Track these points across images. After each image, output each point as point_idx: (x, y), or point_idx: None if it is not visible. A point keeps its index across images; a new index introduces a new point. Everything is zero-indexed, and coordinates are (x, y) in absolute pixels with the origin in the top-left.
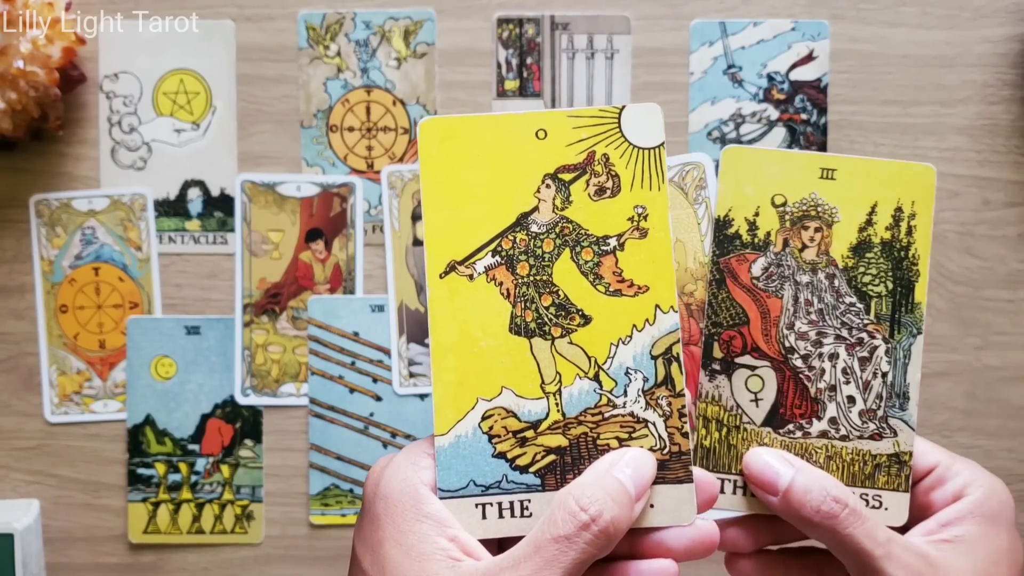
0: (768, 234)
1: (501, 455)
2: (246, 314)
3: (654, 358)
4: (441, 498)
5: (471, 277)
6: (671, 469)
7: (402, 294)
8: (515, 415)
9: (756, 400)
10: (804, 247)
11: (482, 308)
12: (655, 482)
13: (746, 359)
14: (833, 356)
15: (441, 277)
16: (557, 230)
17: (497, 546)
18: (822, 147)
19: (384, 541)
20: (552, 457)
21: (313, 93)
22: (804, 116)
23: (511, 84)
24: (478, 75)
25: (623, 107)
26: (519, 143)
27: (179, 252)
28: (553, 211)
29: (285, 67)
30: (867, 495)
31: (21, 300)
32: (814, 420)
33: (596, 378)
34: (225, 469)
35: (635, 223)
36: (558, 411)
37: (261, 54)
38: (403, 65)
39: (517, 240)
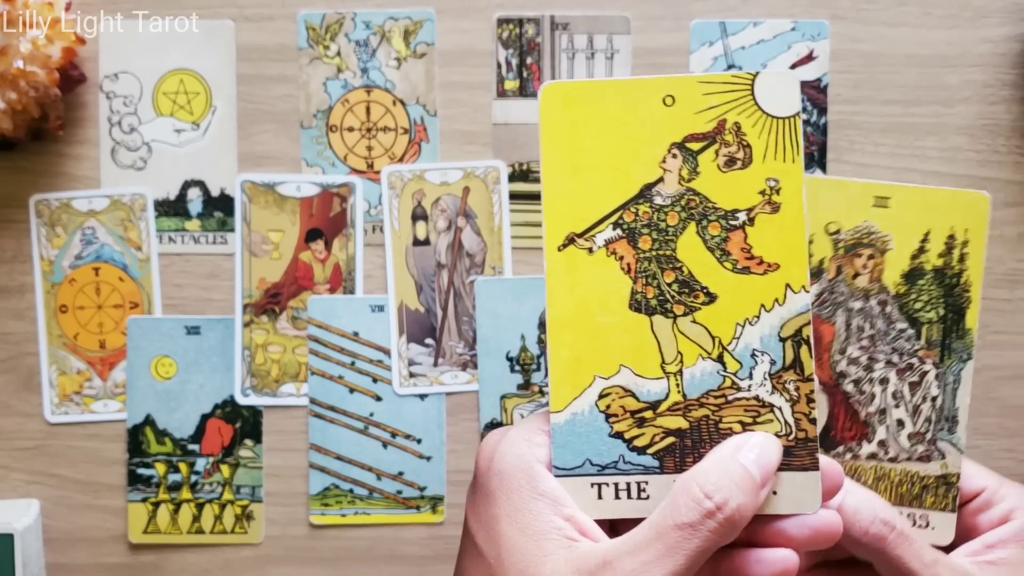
0: (822, 261)
1: (618, 435)
2: (246, 314)
3: (782, 340)
4: (556, 476)
5: (591, 250)
6: (796, 456)
7: (402, 294)
8: (633, 394)
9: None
10: (857, 274)
11: (601, 283)
12: (779, 468)
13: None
14: (884, 381)
15: (560, 250)
16: (683, 203)
17: (610, 528)
18: (822, 147)
19: (499, 518)
20: (671, 439)
21: (313, 93)
22: (804, 116)
23: (511, 84)
24: (478, 75)
25: (757, 73)
26: (645, 109)
27: (179, 252)
28: (679, 182)
29: (285, 67)
30: (914, 515)
31: (21, 300)
32: (864, 443)
33: (720, 359)
34: (225, 469)
35: (767, 197)
36: (679, 392)
37: (261, 54)
38: (403, 65)
39: (640, 212)
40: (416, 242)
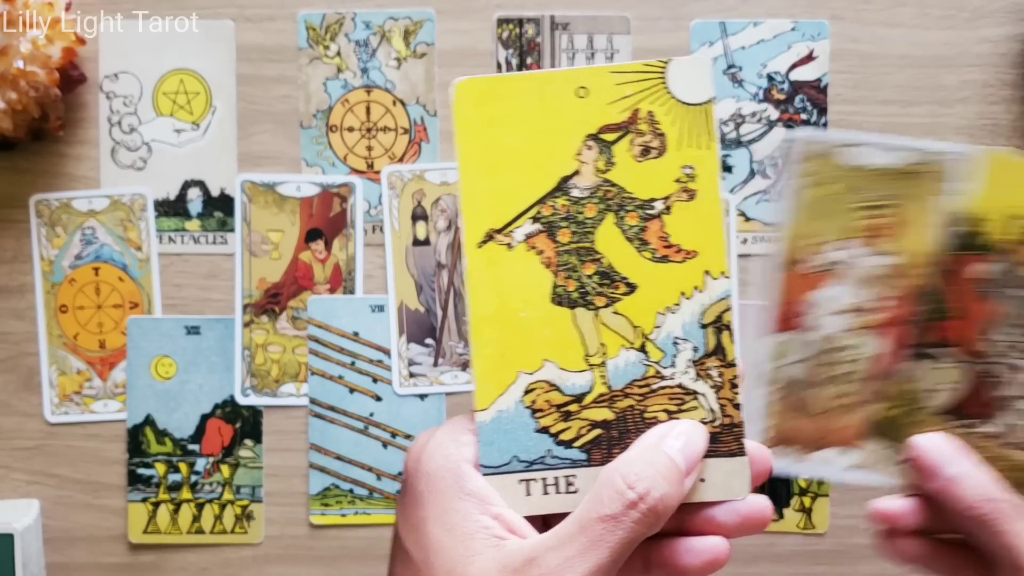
0: (1006, 243)
1: (544, 430)
2: (246, 314)
3: (704, 327)
4: (484, 475)
5: (510, 246)
6: (723, 442)
7: (402, 294)
8: (558, 388)
9: (945, 390)
10: None
11: (522, 278)
12: (706, 455)
13: (949, 351)
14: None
15: (479, 246)
16: (600, 194)
17: (543, 523)
18: None
19: (427, 520)
20: (598, 431)
21: (313, 93)
22: (804, 116)
23: None
24: (478, 75)
25: (669, 60)
26: (559, 102)
27: (179, 252)
28: (595, 174)
29: (285, 67)
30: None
31: (21, 300)
32: (990, 422)
33: (642, 349)
34: (225, 469)
35: (683, 184)
36: (603, 384)
37: (261, 54)
38: (403, 65)
39: (558, 206)
40: (416, 242)
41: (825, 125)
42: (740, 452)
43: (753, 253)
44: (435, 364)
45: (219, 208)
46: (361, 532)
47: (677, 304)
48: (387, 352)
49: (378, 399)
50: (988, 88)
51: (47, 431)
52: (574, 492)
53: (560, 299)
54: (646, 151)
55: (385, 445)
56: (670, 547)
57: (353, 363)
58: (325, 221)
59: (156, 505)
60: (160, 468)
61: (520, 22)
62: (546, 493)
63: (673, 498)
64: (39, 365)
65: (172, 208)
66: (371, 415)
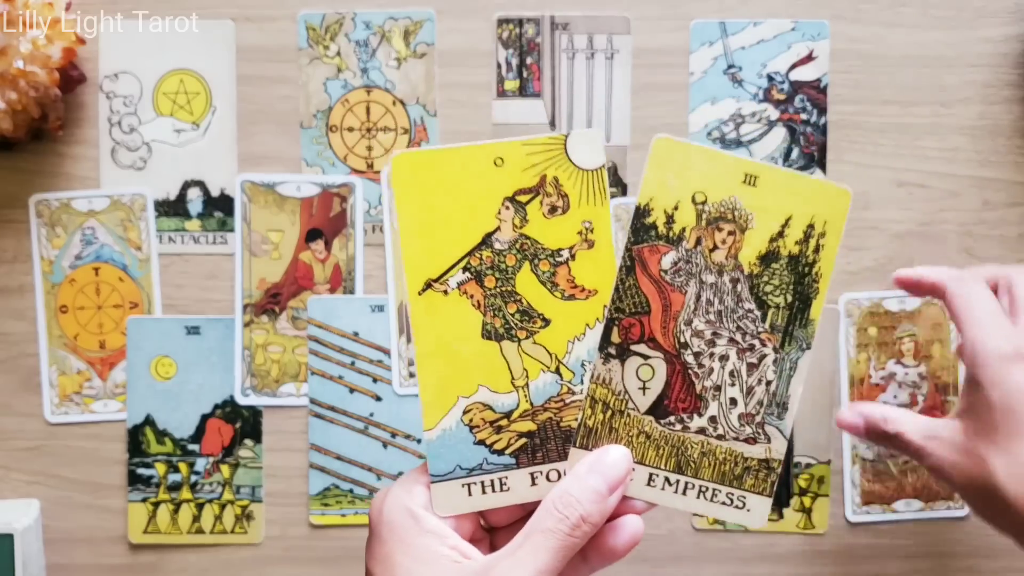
0: (683, 230)
1: (481, 442)
2: (246, 314)
3: None
4: (433, 482)
5: (446, 292)
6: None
7: (402, 294)
8: (491, 407)
9: (644, 388)
10: (715, 248)
11: (457, 318)
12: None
13: (641, 348)
14: (724, 358)
15: (420, 294)
16: (518, 246)
17: (489, 547)
18: (822, 147)
19: (393, 552)
20: (523, 440)
21: (313, 93)
22: (804, 116)
23: (511, 84)
24: (478, 75)
25: (567, 134)
26: (480, 171)
27: (179, 252)
28: (513, 229)
29: (285, 67)
30: (732, 494)
31: (21, 300)
32: (695, 416)
33: (557, 371)
34: (225, 469)
35: (584, 236)
36: (527, 401)
37: (261, 54)
38: (403, 65)
39: (484, 257)
40: None
41: (825, 125)
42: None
43: None
44: None
45: (219, 208)
46: (361, 532)
47: (583, 333)
48: (387, 352)
49: (378, 399)
50: (989, 88)
51: (47, 431)
52: (507, 490)
53: (489, 334)
54: (553, 209)
55: (385, 445)
56: (597, 536)
57: (353, 363)
58: (325, 221)
59: (156, 505)
60: (160, 468)
61: (520, 22)
62: (484, 492)
63: (597, 515)
64: (39, 365)
65: (172, 208)
66: (371, 415)
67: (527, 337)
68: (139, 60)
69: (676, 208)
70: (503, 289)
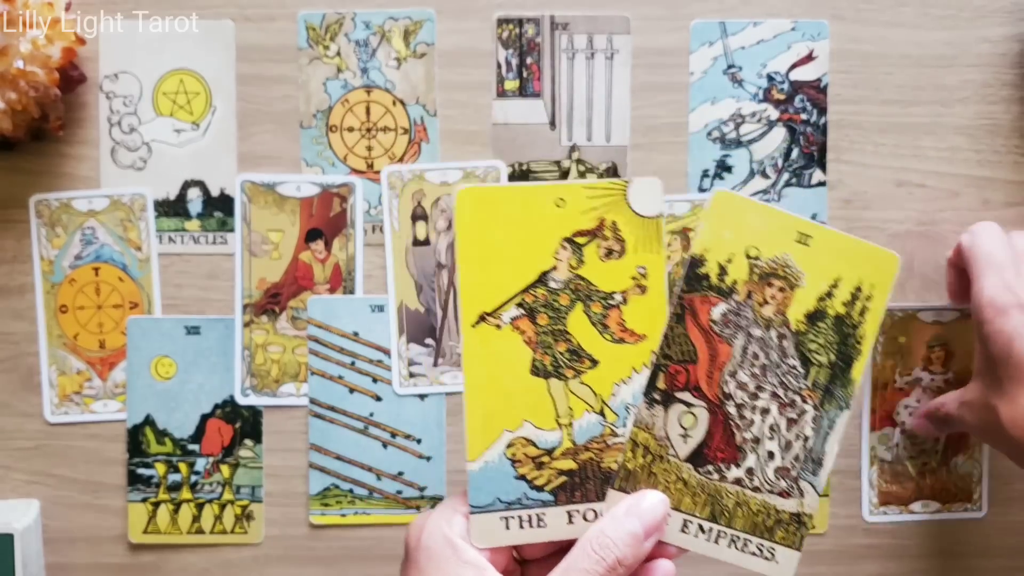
0: (735, 282)
1: (522, 477)
2: (246, 314)
3: None
4: (472, 513)
5: (499, 326)
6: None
7: (402, 294)
8: (534, 443)
9: (686, 436)
10: (765, 303)
11: (507, 353)
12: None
13: (686, 395)
14: (765, 411)
15: (473, 326)
16: (572, 287)
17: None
18: (822, 147)
19: None
20: (564, 478)
21: (313, 93)
22: (804, 116)
23: (511, 84)
24: (478, 75)
25: (629, 181)
26: (541, 210)
27: (179, 252)
28: (569, 270)
29: (285, 67)
30: (763, 546)
31: (21, 300)
32: (733, 466)
33: (601, 412)
34: (225, 469)
35: (637, 281)
36: (569, 440)
37: (261, 54)
38: (403, 65)
39: (538, 295)
40: (416, 242)
41: (825, 125)
42: None
43: None
44: (435, 364)
45: (219, 208)
46: (361, 532)
47: (630, 377)
48: (387, 352)
49: (378, 399)
50: (988, 88)
51: (47, 431)
52: (544, 527)
53: (537, 371)
54: (609, 253)
55: (385, 445)
56: None
57: (353, 363)
58: (325, 221)
59: (156, 505)
60: (160, 468)
61: (520, 22)
62: (522, 527)
63: (632, 559)
64: (39, 365)
65: (172, 208)
66: (371, 415)
67: (574, 376)
68: (139, 60)
69: (729, 261)
70: (555, 328)
